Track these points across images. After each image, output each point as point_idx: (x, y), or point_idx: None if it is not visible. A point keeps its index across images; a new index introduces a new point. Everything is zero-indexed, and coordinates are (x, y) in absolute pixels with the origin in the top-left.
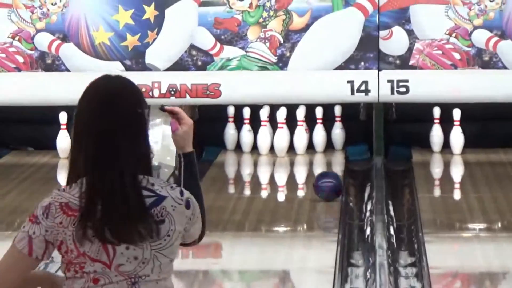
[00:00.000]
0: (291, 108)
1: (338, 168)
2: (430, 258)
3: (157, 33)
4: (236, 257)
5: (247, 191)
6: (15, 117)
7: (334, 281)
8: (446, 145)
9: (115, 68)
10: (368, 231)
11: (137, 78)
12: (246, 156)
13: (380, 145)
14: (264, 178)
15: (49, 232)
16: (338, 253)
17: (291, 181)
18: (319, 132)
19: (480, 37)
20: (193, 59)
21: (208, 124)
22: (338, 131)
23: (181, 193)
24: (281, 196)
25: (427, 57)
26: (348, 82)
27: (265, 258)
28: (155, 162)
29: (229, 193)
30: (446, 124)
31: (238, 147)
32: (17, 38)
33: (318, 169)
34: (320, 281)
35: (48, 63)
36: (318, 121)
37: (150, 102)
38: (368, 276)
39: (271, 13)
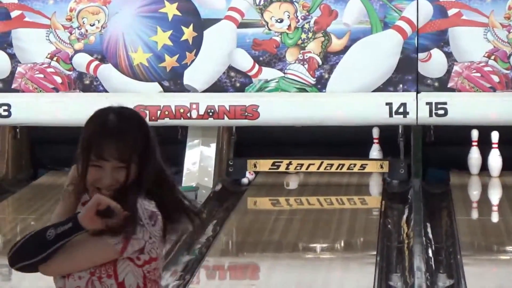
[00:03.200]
0: None
1: (375, 190)
2: (468, 281)
3: (195, 54)
4: (274, 279)
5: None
6: (53, 137)
7: None
8: (484, 168)
9: (153, 89)
10: (406, 253)
11: (175, 99)
12: None
13: (418, 167)
14: None
15: (151, 240)
16: (377, 275)
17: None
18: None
19: None
20: (231, 80)
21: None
22: (375, 153)
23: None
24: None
25: (466, 79)
26: (387, 104)
27: (303, 280)
28: (192, 183)
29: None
30: (484, 146)
31: None
32: (55, 58)
33: None
34: None
35: (86, 83)
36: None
37: (188, 124)
38: None
39: (310, 35)
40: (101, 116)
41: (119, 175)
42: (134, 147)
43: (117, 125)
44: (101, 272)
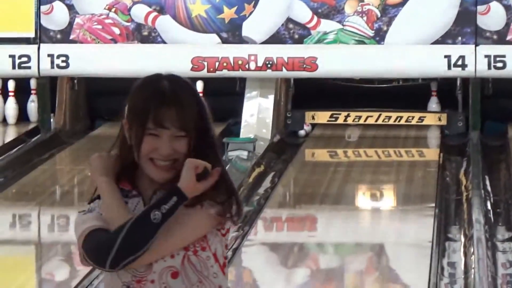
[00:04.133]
0: None
1: (434, 142)
2: None
3: (254, 6)
4: (332, 231)
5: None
6: (110, 89)
7: (432, 255)
8: None
9: (211, 41)
10: (465, 206)
11: (234, 51)
12: None
13: (477, 120)
14: None
15: None
16: (435, 227)
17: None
18: None
19: None
20: (290, 32)
21: None
22: (434, 106)
23: None
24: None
25: None
26: (445, 56)
27: (362, 232)
28: (251, 135)
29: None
30: None
31: None
32: (113, 9)
33: None
34: (417, 255)
35: (144, 35)
36: None
37: (246, 75)
38: (466, 250)
39: None
40: (154, 82)
41: (177, 145)
42: (194, 115)
43: (175, 91)
44: (195, 246)
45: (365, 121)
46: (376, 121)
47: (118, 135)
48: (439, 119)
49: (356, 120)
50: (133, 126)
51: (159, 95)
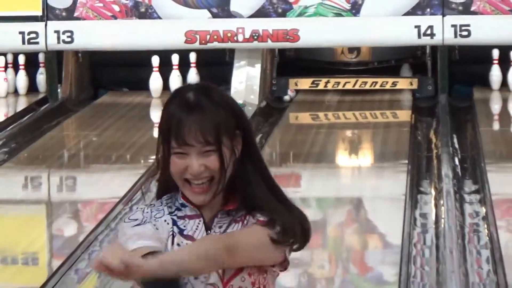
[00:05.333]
0: None
1: (406, 105)
2: (492, 186)
3: None
4: (315, 187)
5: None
6: (112, 61)
7: (405, 207)
8: (505, 84)
9: (202, 16)
10: (435, 162)
11: (223, 24)
12: None
13: (445, 84)
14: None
15: None
16: (408, 182)
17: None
18: None
19: None
20: (274, 7)
21: None
22: (406, 72)
23: None
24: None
25: (487, 3)
26: (415, 27)
27: (342, 187)
28: (240, 101)
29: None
30: (505, 64)
31: None
32: None
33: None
34: (392, 207)
35: (141, 11)
36: None
37: (235, 46)
38: (436, 202)
39: None
40: (179, 95)
41: (208, 161)
42: (220, 125)
43: (198, 101)
44: (259, 283)
45: (343, 86)
46: (354, 86)
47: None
48: (411, 84)
49: (335, 86)
50: (162, 145)
51: (182, 106)
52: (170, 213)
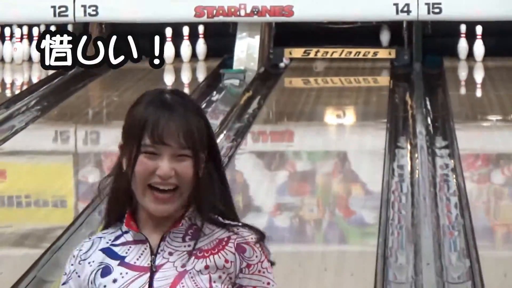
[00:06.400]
0: None
1: (385, 72)
2: (459, 142)
3: None
4: (306, 141)
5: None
6: (132, 31)
7: (385, 160)
8: (471, 54)
9: None
10: (410, 121)
11: (227, 1)
12: None
13: (419, 54)
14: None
15: None
16: (387, 138)
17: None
18: None
19: None
20: None
21: None
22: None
23: None
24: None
25: None
26: (394, 4)
27: (329, 140)
28: (241, 67)
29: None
30: (471, 37)
31: None
32: None
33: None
34: (373, 159)
35: None
36: None
37: (237, 20)
38: (412, 156)
39: None
40: (154, 95)
41: (180, 166)
42: (201, 133)
43: (177, 103)
44: None
45: (331, 55)
46: (340, 55)
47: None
48: (389, 54)
49: (324, 55)
50: (128, 144)
51: (160, 105)
52: (106, 243)
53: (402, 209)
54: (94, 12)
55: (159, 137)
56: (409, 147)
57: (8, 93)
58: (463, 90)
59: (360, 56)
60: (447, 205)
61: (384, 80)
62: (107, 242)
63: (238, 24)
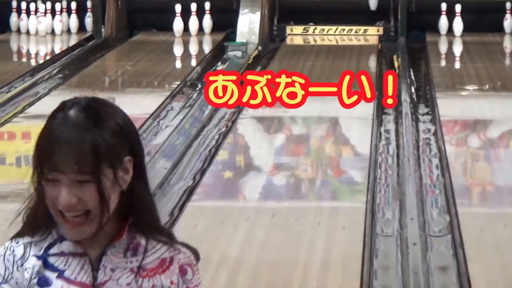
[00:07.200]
0: None
1: (374, 48)
2: (440, 109)
3: None
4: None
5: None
6: (144, 7)
7: (373, 125)
8: (450, 30)
9: None
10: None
11: None
12: None
13: (404, 30)
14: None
15: None
16: (375, 105)
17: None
18: None
19: None
20: None
21: None
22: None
23: None
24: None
25: None
26: None
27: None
28: (244, 40)
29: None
30: (451, 15)
31: None
32: None
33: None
34: (363, 124)
35: None
36: None
37: None
38: (397, 121)
39: None
40: (59, 112)
41: (82, 192)
42: (101, 151)
43: (77, 120)
44: None
45: (327, 32)
46: (335, 32)
47: None
48: (378, 30)
49: (321, 31)
50: (33, 167)
51: (59, 125)
52: (39, 250)
53: (389, 169)
54: None
55: (53, 165)
56: (395, 113)
57: (33, 62)
58: (443, 63)
59: (353, 32)
60: (429, 166)
61: (372, 54)
62: (40, 250)
63: (241, 1)
